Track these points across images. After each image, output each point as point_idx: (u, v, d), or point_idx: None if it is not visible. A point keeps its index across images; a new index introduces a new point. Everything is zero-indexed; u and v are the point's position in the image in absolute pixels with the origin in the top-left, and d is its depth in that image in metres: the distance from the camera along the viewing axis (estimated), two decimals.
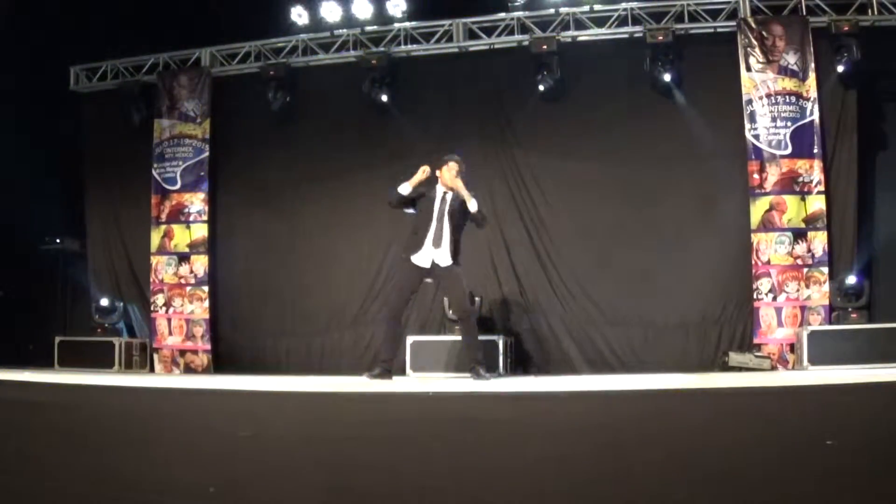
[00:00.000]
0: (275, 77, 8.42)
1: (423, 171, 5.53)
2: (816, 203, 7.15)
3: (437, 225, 5.48)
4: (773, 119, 7.28)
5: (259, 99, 8.52)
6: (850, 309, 6.84)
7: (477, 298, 7.62)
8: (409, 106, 8.25)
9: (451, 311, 6.65)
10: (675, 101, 7.69)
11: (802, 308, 7.07)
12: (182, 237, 8.78)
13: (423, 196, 5.60)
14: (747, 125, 7.32)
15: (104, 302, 8.83)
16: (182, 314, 8.67)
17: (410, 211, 5.68)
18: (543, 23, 7.97)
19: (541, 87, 7.79)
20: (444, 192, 5.58)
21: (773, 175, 7.23)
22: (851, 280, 6.90)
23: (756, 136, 7.30)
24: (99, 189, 9.27)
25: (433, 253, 5.46)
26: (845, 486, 1.62)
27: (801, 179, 7.19)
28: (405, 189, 5.56)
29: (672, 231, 7.56)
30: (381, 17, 8.38)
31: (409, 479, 1.89)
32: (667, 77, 7.58)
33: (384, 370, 5.43)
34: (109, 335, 8.55)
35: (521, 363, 7.66)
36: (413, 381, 6.39)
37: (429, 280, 5.65)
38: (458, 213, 5.53)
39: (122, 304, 8.93)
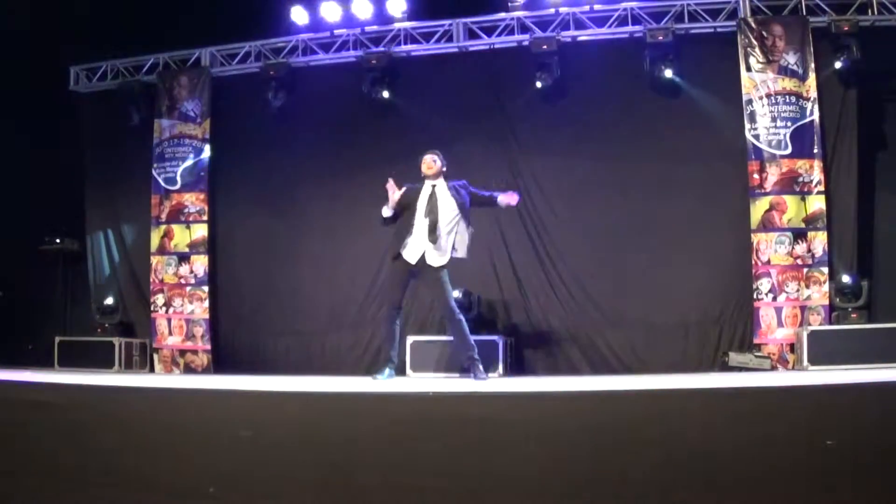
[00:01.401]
0: (275, 77, 8.42)
1: (392, 190, 5.43)
2: (816, 203, 7.15)
3: (431, 220, 5.34)
4: (773, 119, 7.28)
5: (259, 99, 8.51)
6: (850, 309, 6.84)
7: (475, 295, 7.62)
8: (409, 106, 8.24)
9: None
10: (674, 101, 7.68)
11: (802, 308, 7.07)
12: (182, 237, 8.78)
13: (403, 202, 5.48)
14: (747, 125, 7.32)
15: (105, 302, 8.84)
16: (182, 314, 8.67)
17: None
18: (543, 23, 7.97)
19: (541, 87, 7.79)
20: (433, 186, 5.47)
21: (773, 175, 7.23)
22: (847, 279, 6.89)
23: (756, 136, 7.30)
24: (99, 189, 9.27)
25: (425, 247, 5.33)
26: (845, 486, 1.62)
27: (801, 179, 7.19)
28: (386, 212, 5.50)
29: (672, 231, 7.55)
30: (381, 17, 8.39)
31: (409, 479, 1.88)
32: (667, 77, 7.58)
33: (388, 370, 5.44)
34: (109, 335, 8.55)
35: (521, 363, 7.67)
36: (413, 381, 6.39)
37: (413, 279, 5.51)
38: (456, 202, 5.42)
39: (122, 303, 8.94)
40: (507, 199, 5.58)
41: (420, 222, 5.38)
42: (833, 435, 2.16)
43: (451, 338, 7.14)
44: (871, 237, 7.27)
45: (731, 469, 1.86)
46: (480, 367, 5.33)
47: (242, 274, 8.78)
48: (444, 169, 5.56)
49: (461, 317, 5.45)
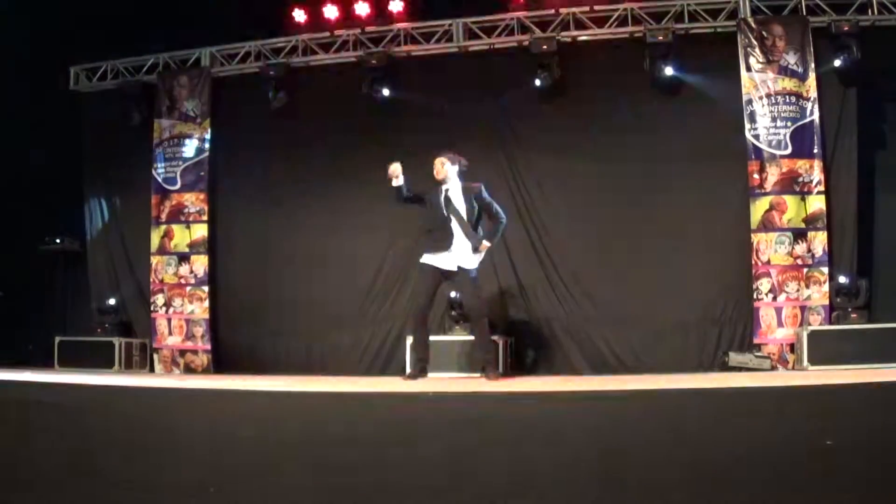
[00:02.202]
0: (275, 77, 8.41)
1: (391, 170, 5.59)
2: (816, 203, 7.15)
3: (455, 226, 5.50)
4: (773, 119, 7.28)
5: (259, 99, 8.51)
6: (850, 309, 6.84)
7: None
8: (408, 106, 8.24)
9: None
10: (674, 101, 7.68)
11: (802, 308, 7.07)
12: (182, 237, 8.77)
13: (425, 196, 5.64)
14: (747, 125, 7.32)
15: (105, 302, 8.83)
16: (182, 314, 8.67)
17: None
18: (543, 23, 7.96)
19: (540, 87, 7.79)
20: (446, 190, 5.57)
21: (773, 175, 7.23)
22: (846, 279, 6.88)
23: (756, 136, 7.30)
24: (99, 189, 9.27)
25: (457, 257, 5.48)
26: (845, 486, 1.62)
27: (801, 179, 7.19)
28: (395, 182, 5.59)
29: (672, 231, 7.55)
30: (381, 17, 8.38)
31: (409, 479, 1.89)
32: (667, 77, 7.58)
33: (420, 369, 5.58)
34: (109, 335, 8.55)
35: (521, 363, 7.67)
36: (413, 381, 6.38)
37: (448, 280, 5.70)
38: (467, 206, 5.56)
39: (122, 303, 8.93)
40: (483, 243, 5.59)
41: (446, 229, 5.50)
42: (833, 435, 2.16)
43: (456, 338, 7.22)
44: (871, 237, 7.27)
45: (730, 469, 1.86)
46: (491, 369, 5.53)
47: (242, 274, 8.78)
48: (457, 168, 5.67)
49: (486, 319, 5.63)
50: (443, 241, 5.49)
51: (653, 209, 7.63)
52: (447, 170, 5.59)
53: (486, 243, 5.58)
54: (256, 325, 8.60)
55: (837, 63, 7.16)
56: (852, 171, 7.20)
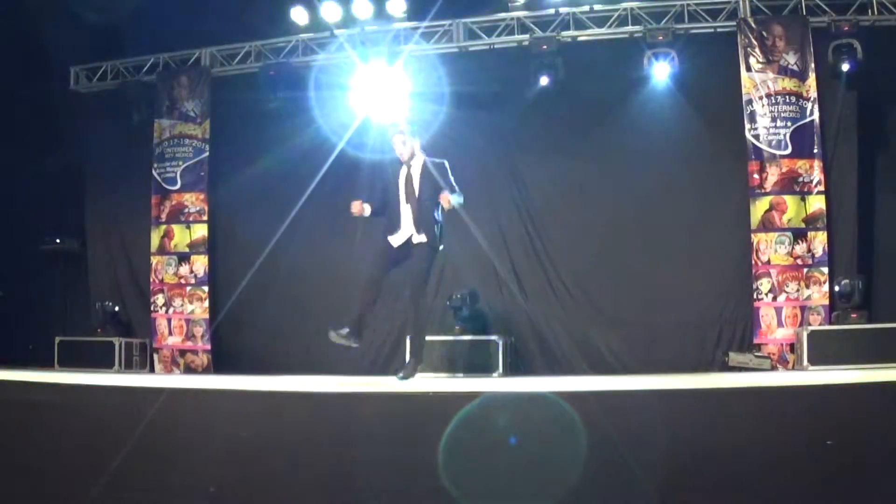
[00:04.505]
0: (275, 77, 8.41)
1: (359, 211, 5.24)
2: (816, 203, 7.15)
3: (412, 205, 5.09)
4: (773, 119, 7.28)
5: (259, 99, 8.51)
6: (849, 309, 6.84)
7: (467, 293, 7.59)
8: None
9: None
10: (674, 102, 7.68)
11: (802, 308, 7.07)
12: (182, 237, 8.77)
13: (381, 182, 5.28)
14: (747, 125, 7.32)
15: (105, 302, 8.83)
16: (182, 314, 8.67)
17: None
18: (543, 23, 7.96)
19: (540, 87, 7.79)
20: (409, 167, 5.14)
21: (773, 175, 7.23)
22: (846, 280, 6.87)
23: (756, 136, 7.30)
24: (99, 189, 9.27)
25: (411, 233, 5.12)
26: (845, 486, 1.62)
27: (801, 179, 7.19)
28: (367, 212, 5.26)
29: (672, 231, 7.56)
30: (381, 17, 8.38)
31: (410, 479, 1.88)
32: (666, 77, 7.58)
33: (351, 331, 5.29)
34: (109, 335, 8.54)
35: (521, 363, 7.67)
36: (413, 381, 6.38)
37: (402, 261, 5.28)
38: (429, 185, 5.09)
39: (122, 303, 8.93)
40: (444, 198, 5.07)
41: (404, 209, 5.12)
42: (833, 435, 2.16)
43: (455, 337, 7.20)
44: (871, 237, 7.28)
45: (731, 469, 1.86)
46: (410, 368, 5.30)
47: (242, 274, 8.75)
48: (418, 142, 5.22)
49: (423, 303, 5.32)
50: (397, 218, 5.11)
51: (653, 209, 7.63)
52: (411, 146, 5.10)
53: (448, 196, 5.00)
54: (256, 324, 8.59)
55: (838, 63, 7.14)
56: (852, 171, 7.20)
